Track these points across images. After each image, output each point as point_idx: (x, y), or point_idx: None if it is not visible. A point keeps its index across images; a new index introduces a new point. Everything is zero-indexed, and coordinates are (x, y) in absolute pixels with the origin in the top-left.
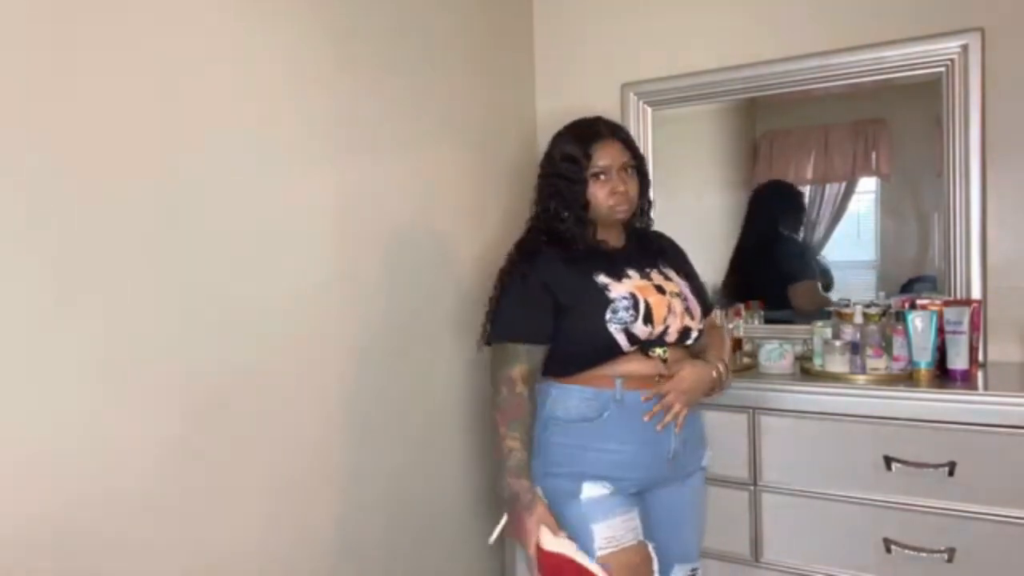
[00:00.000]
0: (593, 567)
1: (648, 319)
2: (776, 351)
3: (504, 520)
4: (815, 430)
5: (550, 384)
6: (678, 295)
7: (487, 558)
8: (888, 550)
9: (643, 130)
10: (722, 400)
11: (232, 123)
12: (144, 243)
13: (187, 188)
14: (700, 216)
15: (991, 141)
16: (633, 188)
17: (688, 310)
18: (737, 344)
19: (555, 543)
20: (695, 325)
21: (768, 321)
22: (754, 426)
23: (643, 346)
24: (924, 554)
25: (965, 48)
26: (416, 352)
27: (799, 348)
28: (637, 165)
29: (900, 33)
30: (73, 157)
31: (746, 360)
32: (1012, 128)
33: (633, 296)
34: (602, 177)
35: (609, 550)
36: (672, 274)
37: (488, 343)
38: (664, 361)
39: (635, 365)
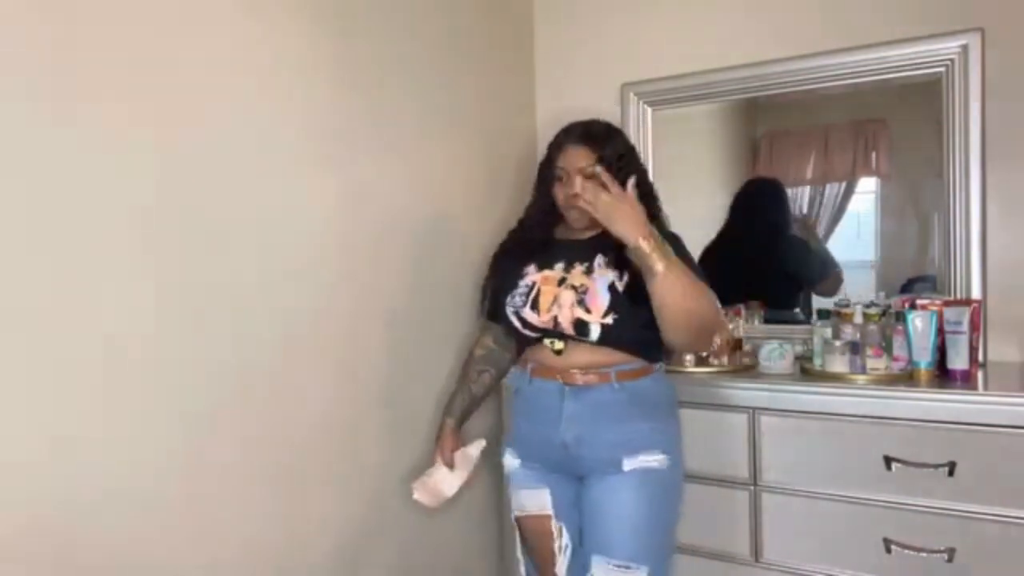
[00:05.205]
0: (420, 498)
1: (535, 306)
2: (776, 351)
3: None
4: (815, 430)
5: None
6: (576, 288)
7: (486, 544)
8: (888, 550)
9: (643, 130)
10: (722, 400)
11: (234, 122)
12: (145, 242)
13: (189, 188)
14: (700, 216)
15: (991, 141)
16: (590, 194)
17: (583, 303)
18: (737, 344)
19: (418, 491)
20: (593, 319)
21: (765, 321)
22: (754, 426)
23: (542, 336)
24: (924, 554)
25: (965, 48)
26: (419, 351)
27: (799, 348)
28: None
29: (900, 33)
30: (74, 156)
31: (746, 360)
32: (1012, 128)
33: (534, 283)
34: (563, 179)
35: (517, 513)
36: (610, 270)
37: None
38: (558, 353)
39: (538, 354)
